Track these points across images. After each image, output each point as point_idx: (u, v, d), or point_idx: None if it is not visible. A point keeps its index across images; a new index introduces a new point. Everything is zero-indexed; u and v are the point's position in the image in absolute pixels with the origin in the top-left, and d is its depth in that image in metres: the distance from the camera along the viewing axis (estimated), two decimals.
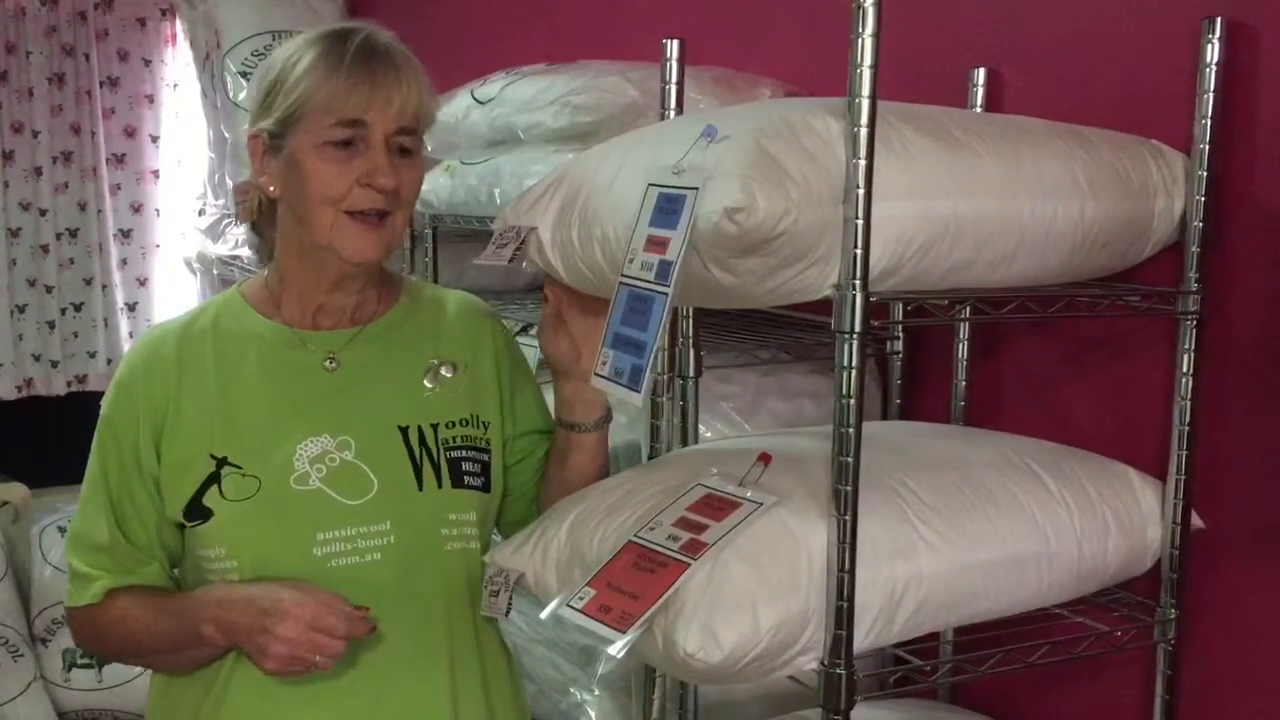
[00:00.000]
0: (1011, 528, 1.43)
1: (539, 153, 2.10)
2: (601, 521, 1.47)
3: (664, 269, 1.32)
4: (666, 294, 1.30)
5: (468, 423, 1.49)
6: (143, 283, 4.59)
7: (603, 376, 1.38)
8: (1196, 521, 1.55)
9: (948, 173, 1.34)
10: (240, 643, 1.36)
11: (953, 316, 1.38)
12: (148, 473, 1.41)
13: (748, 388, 1.88)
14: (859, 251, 1.26)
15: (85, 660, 3.97)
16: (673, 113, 1.61)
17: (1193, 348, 1.51)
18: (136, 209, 4.56)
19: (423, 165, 1.44)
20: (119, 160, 4.51)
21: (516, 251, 1.45)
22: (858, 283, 1.26)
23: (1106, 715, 1.74)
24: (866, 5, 1.23)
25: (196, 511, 1.39)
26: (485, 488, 1.50)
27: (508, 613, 1.52)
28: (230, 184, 3.88)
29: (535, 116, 2.06)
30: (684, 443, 1.74)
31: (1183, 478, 1.52)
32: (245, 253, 3.90)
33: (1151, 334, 1.64)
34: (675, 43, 1.59)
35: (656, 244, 1.34)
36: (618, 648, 1.34)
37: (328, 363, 1.44)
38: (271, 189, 1.40)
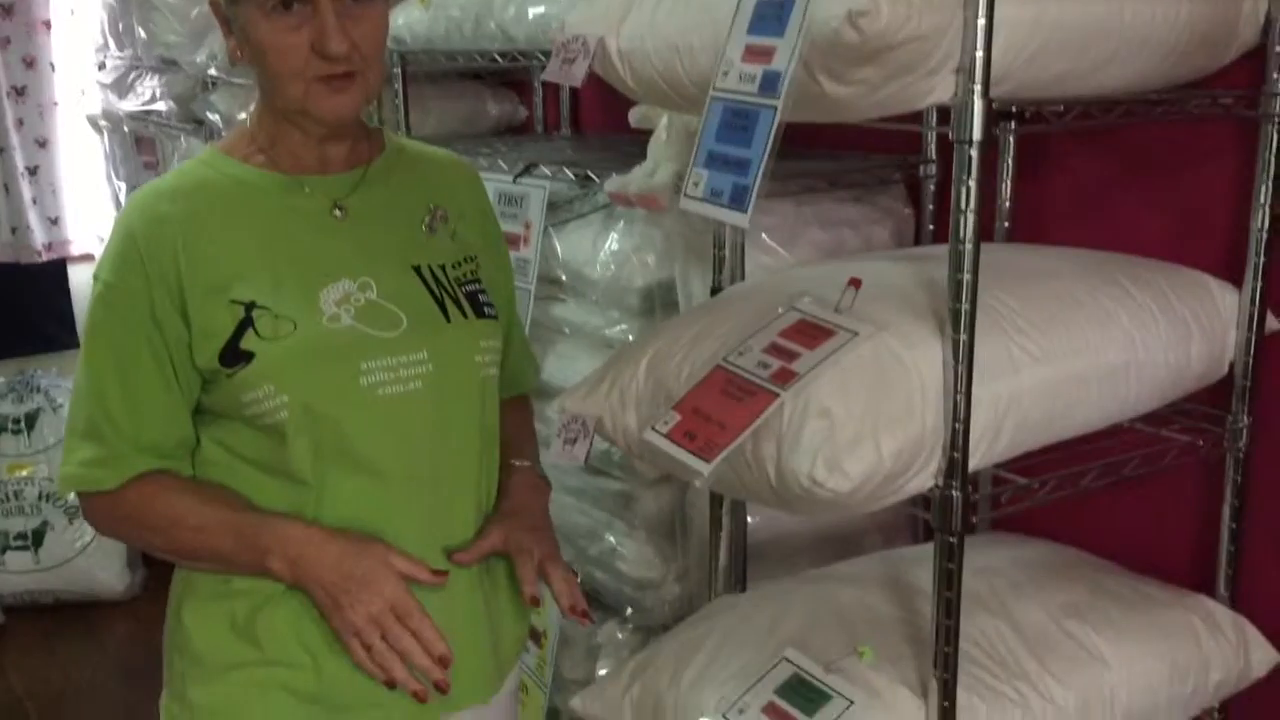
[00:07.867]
0: (1103, 337, 1.41)
1: None
2: (687, 355, 1.41)
3: (770, 80, 1.23)
4: (775, 107, 1.22)
5: (470, 261, 1.47)
6: (43, 144, 4.28)
7: (697, 199, 1.29)
8: (1273, 323, 1.54)
9: None
10: (312, 591, 1.33)
11: (1066, 123, 1.32)
12: (172, 337, 1.33)
13: (786, 217, 1.81)
14: (980, 54, 1.19)
15: (20, 543, 3.83)
16: None
17: (1274, 150, 1.48)
18: (29, 64, 4.22)
19: (384, 10, 1.35)
20: (5, 11, 4.15)
21: (589, 65, 1.34)
22: (978, 88, 1.19)
23: (1169, 527, 1.76)
24: None
25: (235, 356, 1.33)
26: (498, 318, 1.48)
27: (587, 459, 1.47)
28: (140, 32, 3.60)
29: None
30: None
31: (1259, 284, 1.51)
32: (161, 106, 3.64)
33: (1210, 144, 1.61)
34: None
35: (757, 53, 1.24)
36: (704, 477, 1.30)
37: (336, 212, 1.40)
38: (238, 54, 1.35)
